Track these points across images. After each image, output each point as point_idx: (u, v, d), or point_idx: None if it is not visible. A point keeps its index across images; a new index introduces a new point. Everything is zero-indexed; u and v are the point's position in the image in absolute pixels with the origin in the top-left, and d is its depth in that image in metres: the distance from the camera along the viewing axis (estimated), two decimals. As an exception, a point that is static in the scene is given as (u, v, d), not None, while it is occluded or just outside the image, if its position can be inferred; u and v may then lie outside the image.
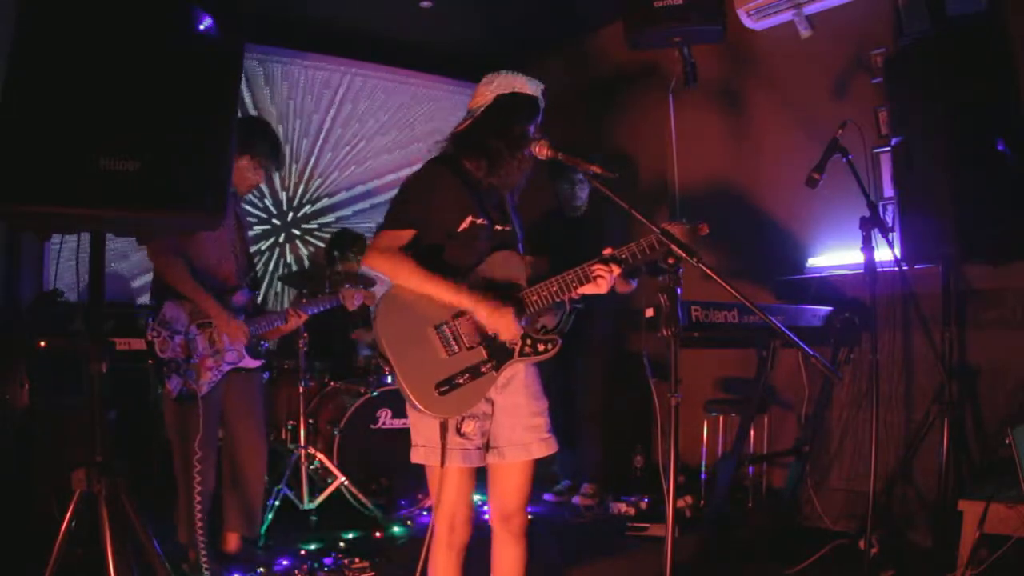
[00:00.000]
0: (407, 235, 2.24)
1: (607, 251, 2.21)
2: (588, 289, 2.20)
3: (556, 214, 4.68)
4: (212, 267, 3.24)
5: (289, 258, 5.90)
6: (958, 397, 3.45)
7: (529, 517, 2.37)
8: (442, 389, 2.15)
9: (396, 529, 3.97)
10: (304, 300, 3.61)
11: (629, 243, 2.19)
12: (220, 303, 3.16)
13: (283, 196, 5.91)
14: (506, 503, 2.31)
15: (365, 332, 4.94)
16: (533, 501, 2.57)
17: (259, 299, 3.73)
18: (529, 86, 2.29)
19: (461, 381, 2.17)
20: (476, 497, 2.34)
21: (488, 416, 2.25)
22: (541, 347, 2.24)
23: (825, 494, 3.98)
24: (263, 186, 5.78)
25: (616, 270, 2.18)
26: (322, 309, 3.58)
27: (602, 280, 2.18)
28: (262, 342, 3.40)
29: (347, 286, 3.71)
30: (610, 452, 4.67)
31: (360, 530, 3.90)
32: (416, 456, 2.24)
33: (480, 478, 2.32)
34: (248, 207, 5.61)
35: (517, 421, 2.28)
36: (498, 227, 2.32)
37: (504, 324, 2.17)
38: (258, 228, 5.74)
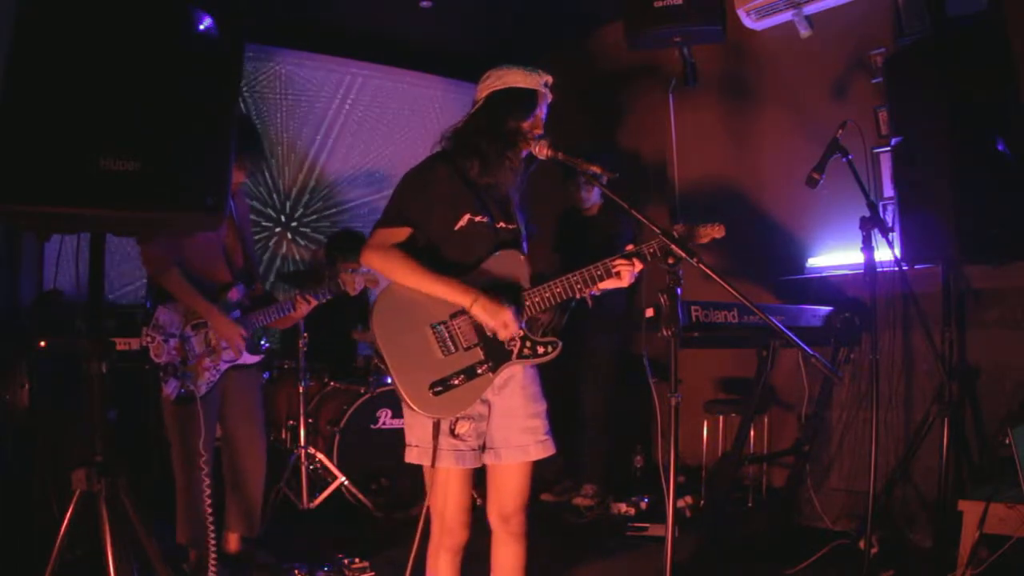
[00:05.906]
0: (403, 232, 2.22)
1: (629, 248, 2.21)
2: (610, 283, 2.21)
3: (570, 213, 4.66)
4: (201, 266, 3.21)
5: (289, 258, 5.90)
6: (958, 397, 3.45)
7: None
8: (436, 389, 2.13)
9: (396, 529, 3.97)
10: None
11: (645, 243, 2.19)
12: (215, 304, 3.15)
13: (284, 196, 5.91)
14: (505, 504, 2.29)
15: (364, 332, 4.93)
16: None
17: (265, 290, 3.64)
18: (528, 79, 2.25)
19: (456, 382, 2.14)
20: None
21: (484, 417, 2.23)
22: (540, 349, 2.22)
23: (825, 494, 3.98)
24: (263, 186, 5.78)
25: (639, 265, 2.19)
26: (327, 297, 3.47)
27: (625, 272, 2.19)
28: (263, 339, 3.39)
29: (346, 271, 3.53)
30: (610, 452, 4.67)
31: (360, 530, 3.90)
32: (410, 456, 2.22)
33: (480, 480, 2.32)
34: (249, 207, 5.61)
35: (514, 423, 2.25)
36: (500, 225, 2.28)
37: (501, 322, 2.13)
38: (259, 228, 5.73)
